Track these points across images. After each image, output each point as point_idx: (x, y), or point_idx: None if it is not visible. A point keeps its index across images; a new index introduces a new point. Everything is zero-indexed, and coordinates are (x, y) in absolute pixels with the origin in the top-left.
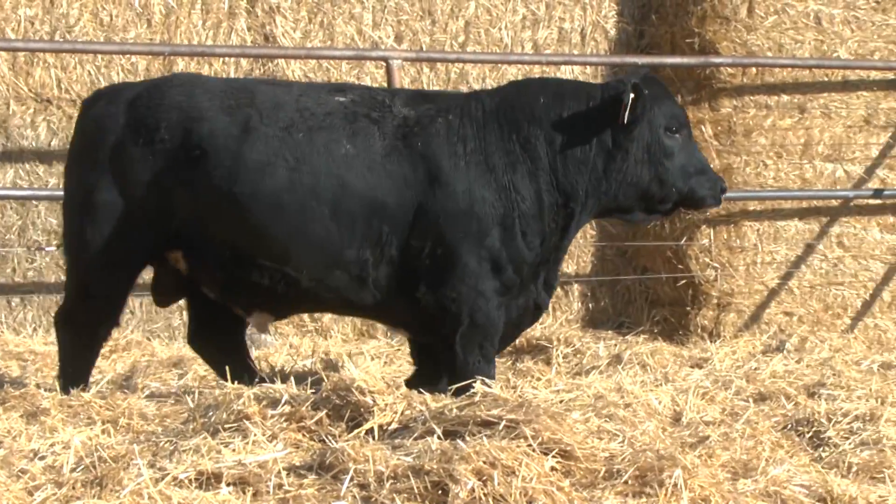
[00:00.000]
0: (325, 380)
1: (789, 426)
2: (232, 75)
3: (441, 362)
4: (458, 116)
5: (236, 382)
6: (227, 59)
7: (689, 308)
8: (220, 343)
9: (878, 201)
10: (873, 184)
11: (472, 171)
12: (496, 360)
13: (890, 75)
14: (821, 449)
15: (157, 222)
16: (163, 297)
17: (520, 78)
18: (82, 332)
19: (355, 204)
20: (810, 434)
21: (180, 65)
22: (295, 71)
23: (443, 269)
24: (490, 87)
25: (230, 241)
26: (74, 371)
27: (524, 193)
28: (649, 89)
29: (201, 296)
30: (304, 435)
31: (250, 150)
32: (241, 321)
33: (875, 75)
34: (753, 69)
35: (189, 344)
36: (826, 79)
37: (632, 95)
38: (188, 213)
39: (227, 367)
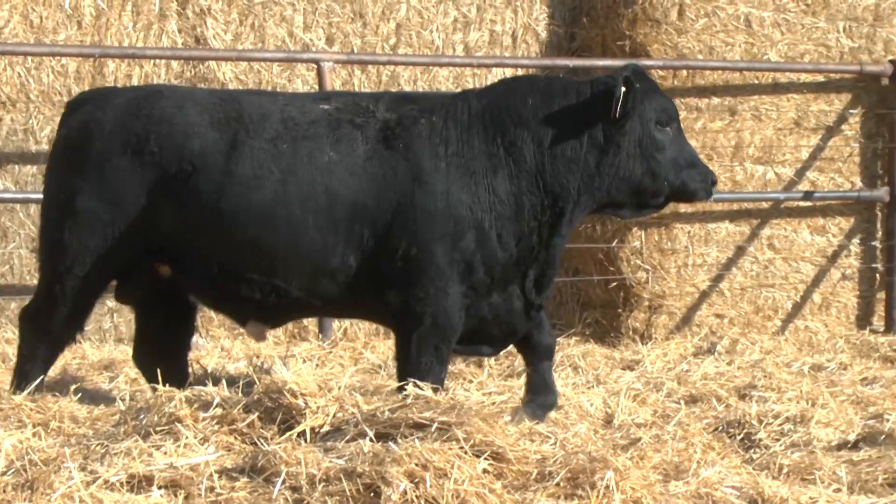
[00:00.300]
0: (257, 382)
1: (720, 428)
2: (163, 77)
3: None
4: (443, 118)
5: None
6: (157, 61)
7: (620, 310)
8: (162, 358)
9: (809, 203)
10: (804, 186)
11: (452, 172)
12: (487, 361)
13: (820, 78)
14: (752, 451)
15: (140, 234)
16: (126, 295)
17: (498, 77)
18: (47, 332)
19: (339, 210)
20: (741, 436)
21: (111, 66)
22: (226, 73)
23: (415, 269)
24: (480, 86)
25: (219, 256)
26: (31, 370)
27: (503, 196)
28: (639, 83)
29: (150, 307)
30: (235, 438)
31: (238, 164)
32: (186, 340)
33: (805, 78)
34: (684, 72)
35: (133, 359)
36: (756, 81)
37: (623, 89)
38: (174, 226)
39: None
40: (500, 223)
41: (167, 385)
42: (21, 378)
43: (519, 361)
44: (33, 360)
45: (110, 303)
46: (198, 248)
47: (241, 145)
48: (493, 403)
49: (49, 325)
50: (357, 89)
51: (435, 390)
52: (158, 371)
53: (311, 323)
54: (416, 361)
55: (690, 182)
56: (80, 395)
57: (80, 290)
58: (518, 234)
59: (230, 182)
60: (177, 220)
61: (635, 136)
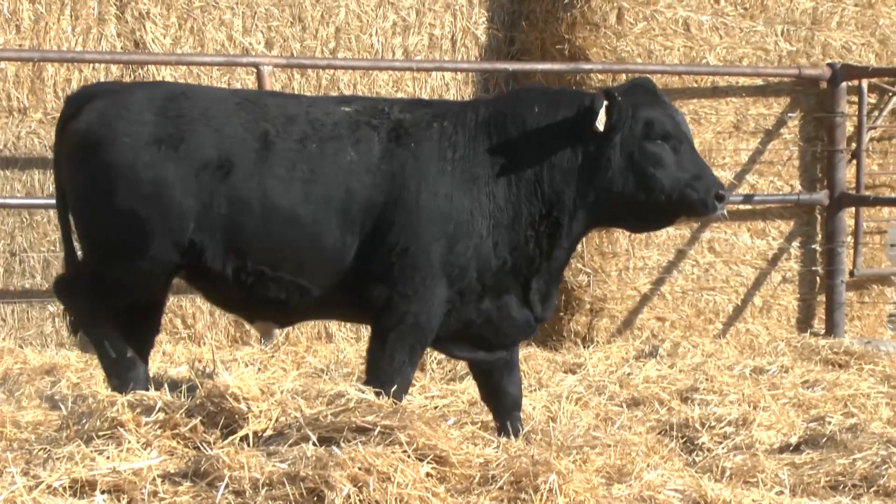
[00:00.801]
0: (199, 387)
1: (663, 431)
2: (102, 80)
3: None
4: (453, 123)
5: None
6: (97, 65)
7: (562, 314)
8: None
9: (749, 207)
10: (743, 189)
11: (457, 176)
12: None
13: (759, 81)
14: (694, 453)
15: (175, 232)
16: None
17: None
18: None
19: (355, 209)
20: (684, 439)
21: (50, 71)
22: (165, 77)
23: (408, 267)
24: (490, 95)
25: (249, 254)
26: (131, 376)
27: (502, 204)
28: (636, 95)
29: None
30: (178, 442)
31: (270, 164)
32: (150, 339)
33: (744, 81)
34: (623, 75)
35: None
36: (695, 85)
37: (605, 103)
38: (203, 225)
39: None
40: (497, 230)
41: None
42: (123, 385)
43: (462, 366)
44: (131, 365)
45: (52, 307)
46: (227, 246)
47: (272, 145)
48: (436, 407)
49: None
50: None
51: (401, 392)
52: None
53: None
54: (390, 358)
55: (690, 195)
56: (22, 400)
57: (145, 289)
58: (514, 242)
59: (263, 181)
60: (207, 218)
61: (625, 150)
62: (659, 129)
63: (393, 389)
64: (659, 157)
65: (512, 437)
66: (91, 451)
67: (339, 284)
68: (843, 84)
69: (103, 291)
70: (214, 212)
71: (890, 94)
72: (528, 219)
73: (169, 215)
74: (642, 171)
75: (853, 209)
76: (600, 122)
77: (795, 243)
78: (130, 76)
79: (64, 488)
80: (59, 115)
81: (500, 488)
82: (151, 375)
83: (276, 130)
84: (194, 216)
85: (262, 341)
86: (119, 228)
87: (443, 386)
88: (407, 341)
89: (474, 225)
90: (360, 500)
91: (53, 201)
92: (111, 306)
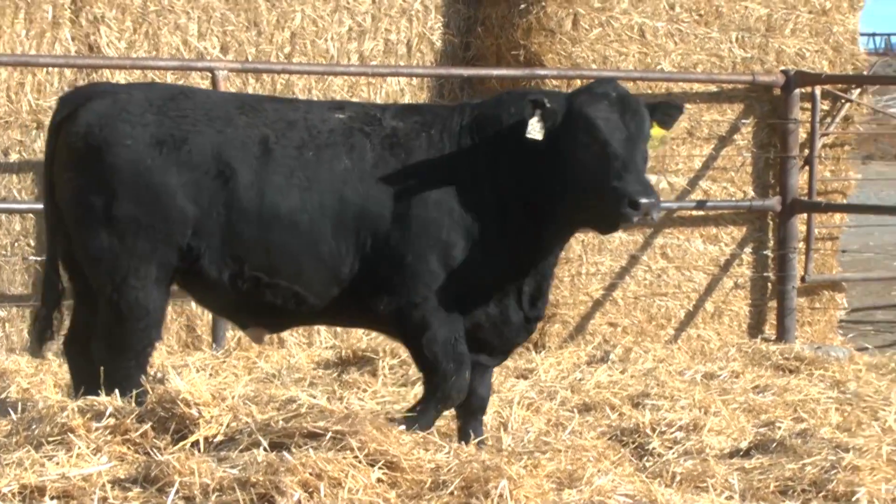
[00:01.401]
0: (150, 392)
1: (614, 436)
2: (56, 86)
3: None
4: (439, 130)
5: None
6: (51, 68)
7: None
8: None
9: (702, 213)
10: (696, 195)
11: (446, 182)
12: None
13: (713, 88)
14: (645, 458)
15: (176, 237)
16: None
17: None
18: (128, 349)
19: (349, 217)
20: (635, 444)
21: (3, 74)
22: (120, 81)
23: (409, 277)
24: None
25: (248, 260)
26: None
27: (491, 205)
28: (578, 96)
29: (89, 301)
30: (128, 448)
31: (270, 170)
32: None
33: (698, 88)
34: (578, 81)
35: (63, 346)
36: (650, 91)
37: (537, 111)
38: (202, 229)
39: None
40: (487, 232)
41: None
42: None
43: (413, 371)
44: (128, 381)
45: (2, 312)
46: (226, 252)
47: (272, 151)
48: (387, 413)
49: (128, 341)
50: None
51: (462, 374)
52: (85, 365)
53: (204, 332)
54: (434, 365)
55: (609, 204)
56: None
57: (145, 299)
58: (502, 243)
59: (264, 187)
60: (207, 223)
61: (561, 153)
62: (592, 132)
63: (453, 382)
64: (580, 160)
65: (468, 440)
66: (40, 457)
67: (338, 293)
68: (797, 91)
69: (124, 308)
70: (213, 217)
71: (843, 100)
72: (511, 219)
73: (170, 219)
74: (568, 174)
75: (805, 215)
76: (533, 131)
77: (748, 249)
78: (84, 80)
79: (13, 494)
80: (51, 117)
81: (451, 493)
82: (103, 381)
83: (276, 137)
84: (193, 220)
85: (214, 347)
86: (122, 232)
87: (394, 390)
88: (439, 342)
89: (466, 228)
90: None
91: (3, 205)
92: (141, 341)
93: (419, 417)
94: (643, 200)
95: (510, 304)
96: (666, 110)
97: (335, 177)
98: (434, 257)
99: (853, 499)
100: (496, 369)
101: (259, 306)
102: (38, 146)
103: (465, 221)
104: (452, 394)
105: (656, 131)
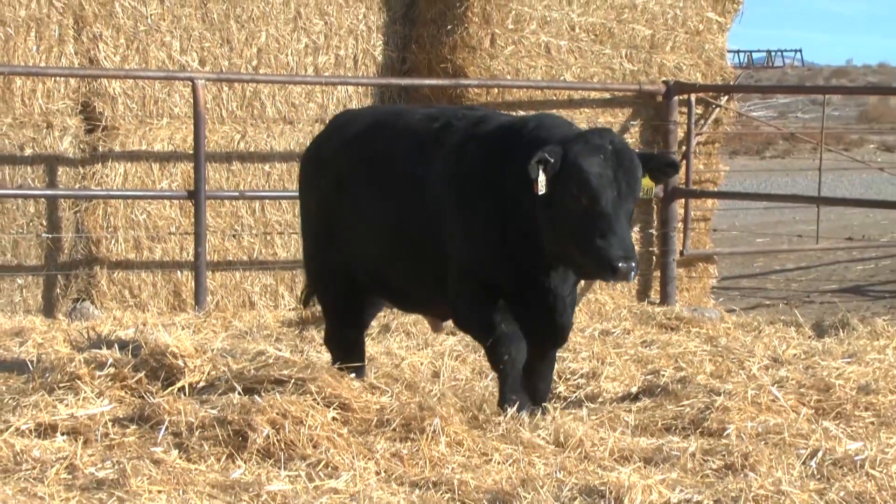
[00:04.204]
0: (144, 346)
1: None
2: (62, 91)
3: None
4: (482, 146)
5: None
6: (58, 78)
7: None
8: None
9: None
10: None
11: (481, 194)
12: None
13: (607, 95)
14: (552, 401)
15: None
16: None
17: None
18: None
19: (428, 220)
20: None
21: (18, 83)
22: (115, 88)
23: (451, 273)
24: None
25: (368, 261)
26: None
27: (511, 215)
28: (577, 146)
29: None
30: (126, 392)
31: (373, 182)
32: None
33: (594, 95)
34: (496, 89)
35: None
36: (555, 98)
37: (540, 168)
38: (343, 237)
39: None
40: (508, 237)
41: None
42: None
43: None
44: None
45: (20, 280)
46: (355, 254)
47: (377, 164)
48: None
49: (342, 338)
50: (225, 103)
51: (504, 349)
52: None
53: (188, 297)
54: (492, 346)
55: (591, 262)
56: None
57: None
58: (511, 258)
59: (369, 197)
60: (344, 228)
61: (558, 199)
62: (581, 186)
63: (491, 345)
64: (569, 210)
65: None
66: (53, 400)
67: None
68: (676, 98)
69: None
70: (343, 225)
71: (713, 106)
72: (516, 241)
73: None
74: (556, 219)
75: (683, 200)
76: (541, 186)
77: (636, 228)
78: (86, 87)
79: (30, 430)
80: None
81: (394, 430)
82: (104, 336)
83: (382, 149)
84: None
85: (196, 309)
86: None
87: None
88: (473, 319)
89: (490, 233)
90: (277, 440)
91: (20, 192)
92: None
93: (500, 384)
94: (622, 266)
95: (538, 306)
96: (662, 167)
97: (430, 184)
98: (463, 257)
99: (724, 434)
100: (429, 327)
101: (399, 302)
102: (48, 142)
103: (491, 227)
104: (500, 352)
105: (646, 182)
